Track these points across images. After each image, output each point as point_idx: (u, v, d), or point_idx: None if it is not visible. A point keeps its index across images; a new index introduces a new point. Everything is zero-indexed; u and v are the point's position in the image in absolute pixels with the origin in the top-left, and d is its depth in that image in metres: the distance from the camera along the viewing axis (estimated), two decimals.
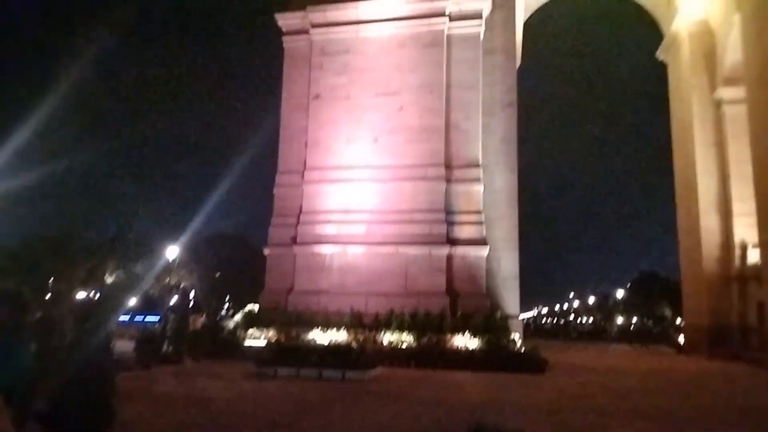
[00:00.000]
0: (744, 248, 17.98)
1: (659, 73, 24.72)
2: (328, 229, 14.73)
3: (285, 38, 16.30)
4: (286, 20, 16.18)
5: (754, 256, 17.11)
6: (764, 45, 14.78)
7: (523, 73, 22.84)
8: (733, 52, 18.87)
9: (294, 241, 14.84)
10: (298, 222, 15.02)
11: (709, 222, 19.10)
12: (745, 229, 17.78)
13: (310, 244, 14.63)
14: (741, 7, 16.58)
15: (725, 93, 19.46)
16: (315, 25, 15.72)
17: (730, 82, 19.37)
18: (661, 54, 24.00)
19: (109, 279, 27.58)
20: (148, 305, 22.52)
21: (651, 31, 25.36)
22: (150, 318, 18.14)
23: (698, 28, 20.82)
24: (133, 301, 23.38)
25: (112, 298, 11.28)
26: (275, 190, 15.65)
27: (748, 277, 17.52)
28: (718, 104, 19.95)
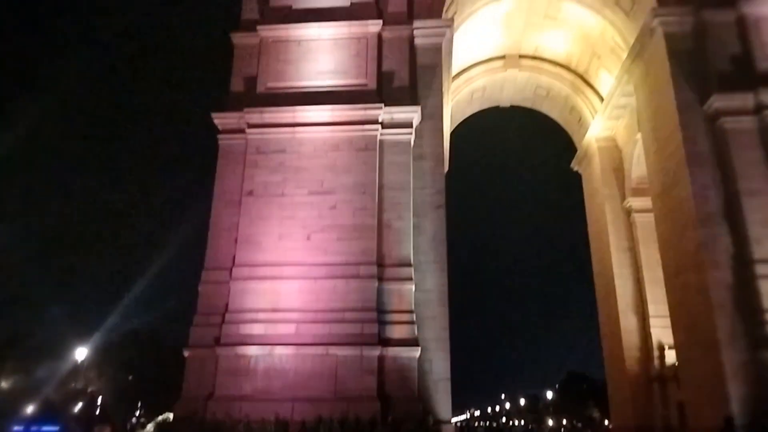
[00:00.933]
0: (662, 349, 18.78)
1: (577, 181, 26.77)
2: (255, 329, 14.11)
3: (220, 136, 16.45)
4: (222, 120, 16.43)
5: (671, 357, 17.86)
6: (663, 163, 16.45)
7: (453, 177, 24.02)
8: (638, 165, 20.87)
9: (217, 342, 14.04)
10: (222, 321, 14.33)
11: (627, 323, 19.98)
12: (662, 331, 18.69)
13: (235, 345, 13.88)
14: (641, 127, 18.59)
15: (634, 202, 21.24)
16: (252, 126, 16.04)
17: (638, 192, 21.23)
18: (575, 165, 26.12)
19: (4, 383, 24.81)
20: (48, 412, 20.29)
21: (569, 143, 27.73)
22: (48, 428, 16.25)
23: (607, 143, 23.02)
24: (30, 409, 21.05)
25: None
26: (200, 287, 15.02)
27: (667, 377, 18.16)
28: (628, 212, 21.66)
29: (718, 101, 14.79)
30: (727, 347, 13.14)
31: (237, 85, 17.02)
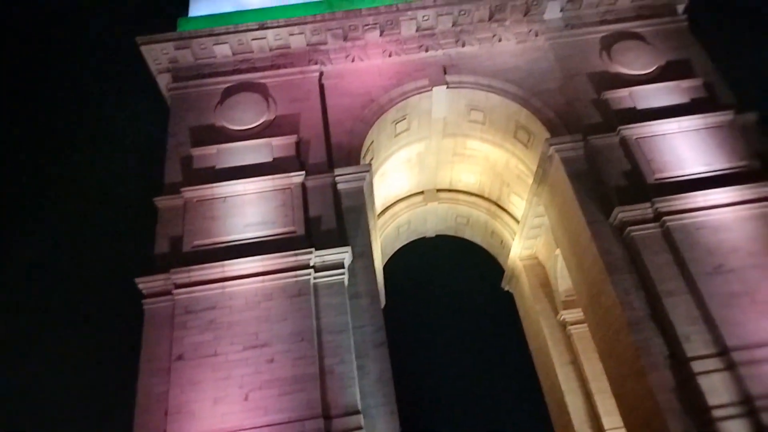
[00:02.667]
0: None
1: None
2: None
3: (145, 301, 15.74)
4: (147, 284, 15.83)
5: None
6: (585, 274, 17.32)
7: (391, 310, 23.94)
8: (563, 279, 21.82)
9: None
10: None
11: None
12: None
13: None
14: (559, 243, 19.75)
15: (567, 315, 21.87)
16: (179, 286, 15.55)
17: (568, 305, 21.97)
18: (505, 285, 26.95)
19: None
20: None
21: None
22: None
23: (530, 261, 24.13)
24: None
25: None
26: None
27: None
28: (564, 325, 22.18)
29: (621, 213, 16.08)
30: None
31: (162, 247, 16.74)
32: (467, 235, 28.30)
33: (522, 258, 24.29)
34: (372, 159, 20.13)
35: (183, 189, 17.27)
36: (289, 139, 18.35)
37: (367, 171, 17.87)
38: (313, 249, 15.88)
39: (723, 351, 13.70)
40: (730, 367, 13.47)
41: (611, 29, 20.31)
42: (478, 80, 19.82)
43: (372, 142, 19.70)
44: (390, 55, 20.43)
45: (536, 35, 20.45)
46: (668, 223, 15.62)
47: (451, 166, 24.46)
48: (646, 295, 15.20)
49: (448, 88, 19.80)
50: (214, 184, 17.28)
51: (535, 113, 19.05)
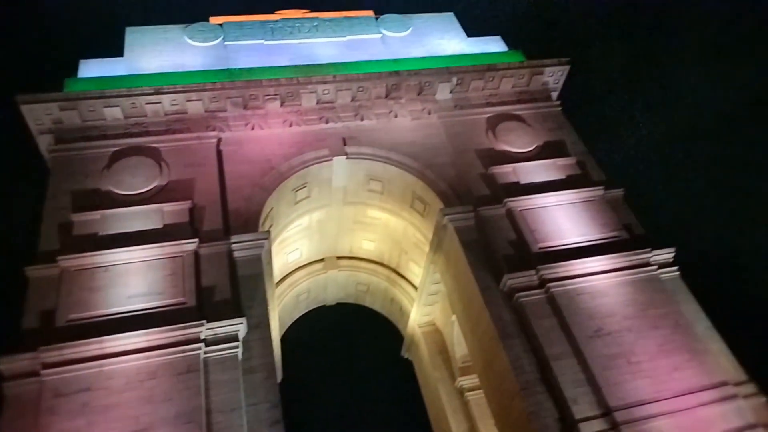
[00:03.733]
0: None
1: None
2: None
3: (6, 384, 13.87)
4: (9, 364, 14.03)
5: None
6: (479, 340, 17.83)
7: (288, 385, 22.97)
8: (459, 345, 22.25)
9: None
10: None
11: None
12: None
13: None
14: (454, 310, 20.28)
15: (464, 382, 22.18)
16: (48, 366, 13.91)
17: (465, 371, 22.34)
18: (404, 353, 26.99)
19: None
20: None
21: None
22: None
23: (428, 328, 24.47)
24: None
25: None
26: None
27: None
28: (461, 392, 22.42)
29: (510, 280, 16.92)
30: None
31: (30, 322, 15.04)
32: (368, 302, 28.32)
33: (420, 325, 24.60)
34: (271, 226, 19.86)
35: (60, 257, 15.84)
36: (183, 205, 17.69)
37: (266, 238, 17.55)
38: (204, 321, 15.04)
39: (606, 411, 14.44)
40: (614, 427, 14.18)
41: (496, 111, 22.16)
42: (376, 152, 20.55)
43: (271, 209, 19.52)
44: (291, 125, 20.74)
45: (429, 113, 21.79)
46: (552, 290, 16.64)
47: (352, 233, 24.73)
48: (536, 359, 15.81)
49: (347, 158, 20.32)
50: (96, 252, 16.05)
51: (430, 185, 19.97)
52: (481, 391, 19.65)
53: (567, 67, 23.32)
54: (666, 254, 17.90)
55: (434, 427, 24.34)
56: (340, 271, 25.81)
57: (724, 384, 15.00)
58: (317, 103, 21.26)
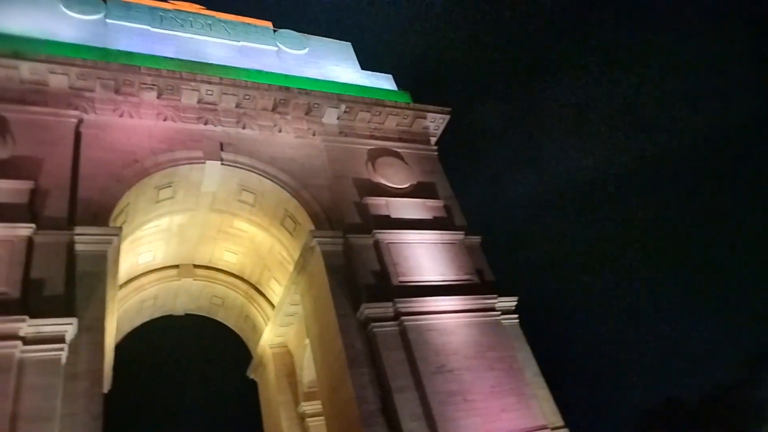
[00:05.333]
0: None
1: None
2: None
3: None
4: None
5: None
6: (329, 366, 17.81)
7: (119, 397, 21.12)
8: (308, 370, 22.03)
9: None
10: None
11: None
12: None
13: None
14: (309, 333, 20.12)
15: (307, 407, 21.92)
16: None
17: (310, 396, 22.11)
18: (250, 373, 26.11)
19: None
20: None
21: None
22: None
23: (280, 350, 23.97)
24: None
25: None
26: None
27: None
28: (302, 417, 22.10)
29: (366, 310, 17.21)
30: None
31: None
32: (220, 317, 27.12)
33: (272, 345, 24.02)
34: (124, 222, 18.37)
35: None
36: (23, 185, 15.72)
37: (116, 234, 16.17)
38: (26, 317, 13.35)
39: None
40: None
41: (378, 144, 22.81)
42: (254, 163, 20.05)
43: (128, 204, 18.09)
44: (165, 119, 19.56)
45: (314, 134, 21.84)
46: (405, 323, 17.19)
47: (215, 242, 23.67)
48: (380, 391, 16.13)
49: (222, 164, 19.58)
50: None
51: (304, 205, 19.87)
52: (322, 418, 19.51)
53: (447, 116, 24.78)
54: (509, 302, 19.38)
55: None
56: (195, 280, 24.47)
57: (543, 428, 16.38)
58: (198, 102, 20.33)
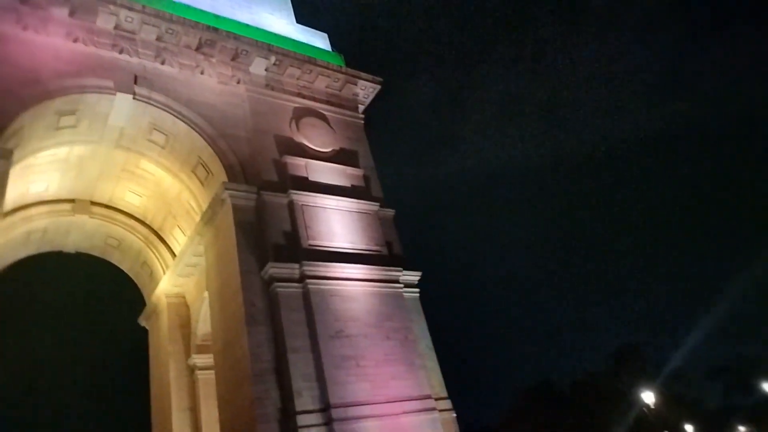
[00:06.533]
0: None
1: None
2: None
3: None
4: None
5: None
6: (226, 321, 17.53)
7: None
8: (204, 323, 21.57)
9: None
10: None
11: None
12: None
13: None
14: (209, 287, 19.63)
15: (198, 360, 21.52)
16: None
17: (203, 349, 21.71)
18: (142, 321, 25.17)
19: None
20: None
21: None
22: None
23: (176, 300, 23.22)
24: None
25: None
26: None
27: None
28: (192, 370, 21.70)
29: (272, 269, 17.05)
30: None
31: None
32: (115, 259, 25.76)
33: (169, 295, 23.22)
34: (17, 147, 16.78)
35: None
36: None
37: (5, 158, 14.85)
38: None
39: (325, 407, 15.38)
40: (328, 422, 15.15)
41: (304, 103, 22.32)
42: (169, 103, 18.96)
43: (23, 127, 16.52)
44: (76, 41, 17.92)
45: (238, 82, 20.96)
46: (309, 286, 17.22)
47: (117, 181, 22.27)
48: (275, 350, 16.15)
49: (134, 98, 18.35)
50: None
51: (219, 155, 19.13)
52: (212, 371, 19.25)
53: (378, 87, 24.66)
54: (413, 276, 19.95)
55: (153, 402, 23.05)
56: (91, 217, 22.97)
57: (428, 397, 17.18)
58: (115, 28, 18.77)
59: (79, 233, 23.80)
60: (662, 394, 39.39)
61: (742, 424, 53.14)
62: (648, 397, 33.01)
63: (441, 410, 17.47)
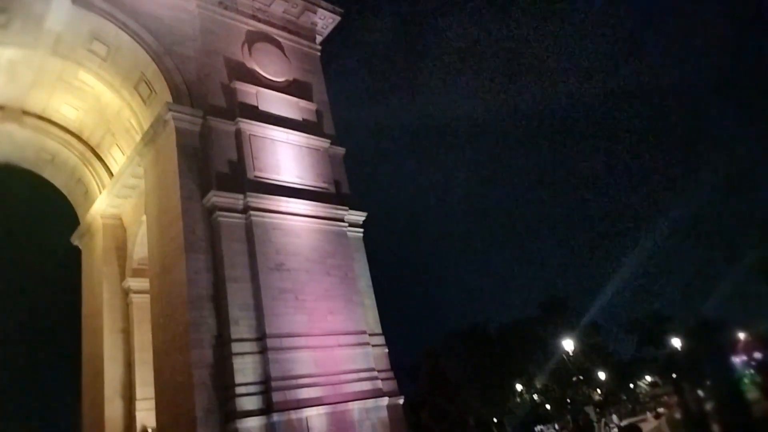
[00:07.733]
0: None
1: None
2: None
3: None
4: None
5: None
6: (164, 246, 17.19)
7: None
8: (141, 246, 21.09)
9: None
10: None
11: (113, 410, 19.15)
12: (147, 414, 18.63)
13: None
14: (147, 210, 19.08)
15: (133, 283, 21.16)
16: None
17: (138, 273, 21.32)
18: (75, 240, 24.33)
19: None
20: None
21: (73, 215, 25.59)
22: None
23: (112, 221, 22.50)
24: None
25: None
26: None
27: None
28: (127, 292, 21.36)
29: (215, 197, 16.71)
30: (203, 424, 14.10)
31: None
32: (47, 174, 24.46)
33: (104, 215, 22.42)
34: None
35: None
36: None
37: None
38: None
39: (261, 336, 15.60)
40: (262, 351, 15.42)
41: (259, 27, 21.28)
42: (113, 11, 17.67)
43: None
44: None
45: None
46: (253, 217, 17.04)
47: (52, 91, 20.82)
48: (214, 278, 16.08)
49: (74, 3, 16.96)
50: None
51: (164, 73, 18.17)
52: (147, 295, 19.01)
53: (339, 18, 23.78)
54: (358, 216, 20.07)
55: (84, 323, 22.63)
56: (22, 127, 21.54)
57: (363, 332, 17.72)
58: None
59: (8, 143, 22.32)
60: (581, 343, 42.14)
61: (650, 374, 58.12)
62: (568, 344, 35.24)
63: (374, 345, 18.09)
